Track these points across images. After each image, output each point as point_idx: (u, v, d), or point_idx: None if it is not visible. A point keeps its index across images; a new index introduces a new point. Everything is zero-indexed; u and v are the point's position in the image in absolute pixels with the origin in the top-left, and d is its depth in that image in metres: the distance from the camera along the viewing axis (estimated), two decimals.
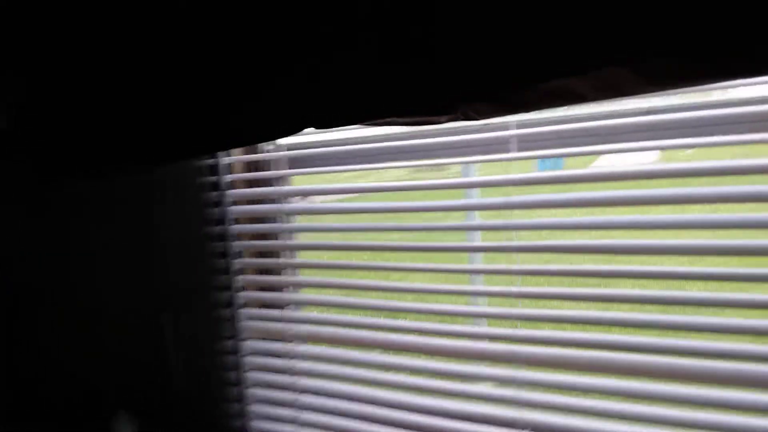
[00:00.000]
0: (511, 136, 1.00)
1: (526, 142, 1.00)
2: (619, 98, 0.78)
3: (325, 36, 0.82)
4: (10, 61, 1.06)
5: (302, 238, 1.26)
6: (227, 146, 1.08)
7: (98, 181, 1.33)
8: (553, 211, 1.09)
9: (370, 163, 1.17)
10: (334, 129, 1.04)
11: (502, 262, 1.03)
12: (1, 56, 1.07)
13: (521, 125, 1.00)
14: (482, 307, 1.06)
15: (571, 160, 1.02)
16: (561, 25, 0.69)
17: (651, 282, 0.94)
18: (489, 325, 1.06)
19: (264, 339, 1.28)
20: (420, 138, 1.11)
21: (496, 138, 1.02)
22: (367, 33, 0.79)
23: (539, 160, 1.05)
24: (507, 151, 1.00)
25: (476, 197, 1.15)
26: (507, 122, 1.00)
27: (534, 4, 0.69)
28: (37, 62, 1.06)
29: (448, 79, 0.79)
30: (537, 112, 0.96)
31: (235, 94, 0.91)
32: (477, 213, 1.17)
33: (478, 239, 1.17)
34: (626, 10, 0.65)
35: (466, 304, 1.12)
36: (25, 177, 1.13)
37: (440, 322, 1.13)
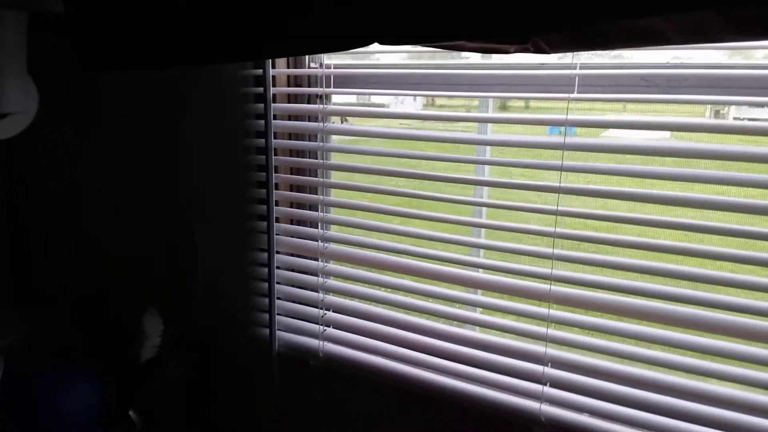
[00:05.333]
0: (574, 76, 0.98)
1: (587, 86, 0.99)
2: (702, 43, 0.76)
3: None
4: None
5: (337, 159, 1.25)
6: (287, 52, 1.04)
7: (139, 76, 1.31)
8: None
9: (413, 90, 1.15)
10: (399, 47, 1.01)
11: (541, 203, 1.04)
12: None
13: (584, 66, 0.98)
14: (520, 244, 1.07)
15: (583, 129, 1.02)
16: None
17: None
18: (524, 263, 1.08)
19: (295, 255, 1.30)
20: (468, 70, 1.09)
21: (559, 77, 1.00)
22: None
23: (549, 126, 1.04)
24: (569, 91, 0.98)
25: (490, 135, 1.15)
26: (570, 63, 0.98)
27: None
28: None
29: (525, 5, 0.76)
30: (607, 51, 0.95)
31: None
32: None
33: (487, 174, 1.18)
34: None
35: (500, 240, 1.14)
36: (69, 65, 1.11)
37: (466, 254, 1.15)
